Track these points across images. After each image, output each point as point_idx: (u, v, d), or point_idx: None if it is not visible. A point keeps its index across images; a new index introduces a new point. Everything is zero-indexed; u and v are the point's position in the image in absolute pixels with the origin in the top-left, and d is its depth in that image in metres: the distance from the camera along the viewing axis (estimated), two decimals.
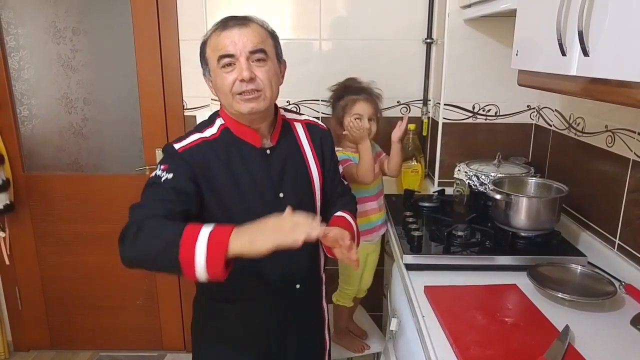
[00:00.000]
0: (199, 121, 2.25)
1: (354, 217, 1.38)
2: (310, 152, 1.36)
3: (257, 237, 0.96)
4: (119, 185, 2.44)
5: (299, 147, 1.35)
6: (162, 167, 1.18)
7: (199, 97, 2.30)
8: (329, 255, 1.29)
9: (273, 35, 1.26)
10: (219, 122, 1.28)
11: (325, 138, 1.41)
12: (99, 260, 2.53)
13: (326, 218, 1.38)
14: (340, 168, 1.51)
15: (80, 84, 2.34)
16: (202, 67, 1.26)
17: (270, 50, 1.22)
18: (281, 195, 1.28)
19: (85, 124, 2.39)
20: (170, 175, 1.16)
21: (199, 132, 1.26)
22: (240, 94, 1.18)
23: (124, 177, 2.43)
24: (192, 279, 1.00)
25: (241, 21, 1.19)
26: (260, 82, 1.19)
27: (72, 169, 2.45)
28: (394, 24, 2.18)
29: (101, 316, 2.63)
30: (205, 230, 0.99)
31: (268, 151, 1.28)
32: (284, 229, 0.97)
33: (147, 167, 2.39)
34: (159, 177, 1.16)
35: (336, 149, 1.55)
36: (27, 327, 2.67)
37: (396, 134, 1.82)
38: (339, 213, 1.36)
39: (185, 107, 2.33)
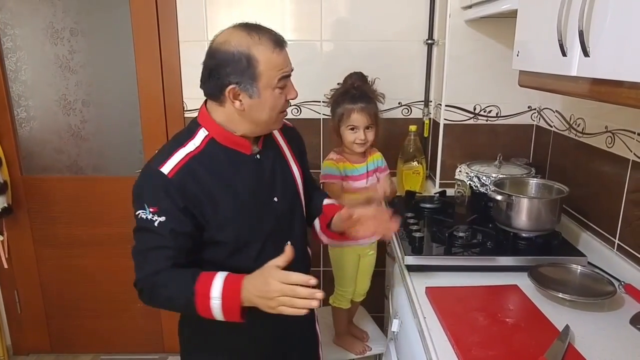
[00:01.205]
0: None
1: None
2: (290, 154, 1.37)
3: (269, 303, 1.04)
4: (118, 188, 2.43)
5: (281, 150, 1.36)
6: (150, 209, 1.11)
7: (199, 99, 2.27)
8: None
9: None
10: (202, 133, 1.21)
11: (295, 136, 1.45)
12: (99, 263, 2.53)
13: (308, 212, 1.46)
14: (321, 179, 1.56)
15: (78, 85, 2.33)
16: (233, 78, 1.13)
17: None
18: (275, 199, 1.28)
19: (84, 125, 2.39)
20: (162, 219, 1.11)
21: (181, 146, 1.17)
22: (282, 112, 1.22)
23: (124, 179, 2.42)
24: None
25: (282, 39, 1.18)
26: None
27: (71, 171, 2.45)
28: (395, 25, 2.19)
29: (101, 319, 2.63)
30: (216, 293, 1.06)
31: (258, 156, 1.26)
32: (289, 302, 1.03)
33: None
34: (151, 222, 1.11)
35: (324, 161, 1.69)
36: (27, 331, 2.66)
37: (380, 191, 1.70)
38: (327, 201, 1.47)
39: (185, 109, 2.32)
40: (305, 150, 1.48)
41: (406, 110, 2.28)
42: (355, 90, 1.78)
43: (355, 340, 2.00)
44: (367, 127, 1.75)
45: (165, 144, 1.23)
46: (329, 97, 1.89)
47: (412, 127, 2.12)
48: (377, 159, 1.89)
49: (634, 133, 1.37)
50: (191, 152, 1.17)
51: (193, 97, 2.30)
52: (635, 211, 1.37)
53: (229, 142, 1.21)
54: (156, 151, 1.21)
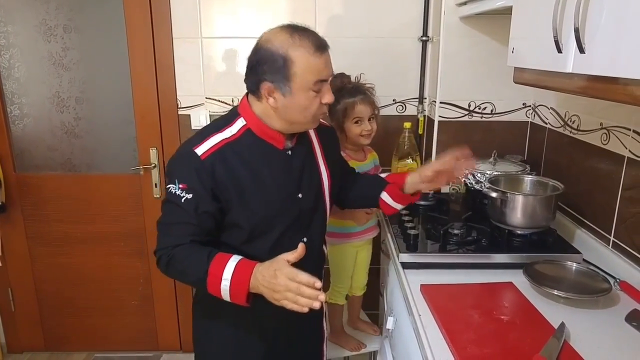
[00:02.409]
0: (193, 120, 2.29)
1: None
2: (320, 155, 1.40)
3: (274, 295, 1.09)
4: (112, 185, 2.42)
5: (312, 149, 1.38)
6: (180, 185, 1.17)
7: (193, 96, 2.29)
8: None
9: None
10: (240, 122, 1.26)
11: (330, 135, 1.47)
12: (93, 261, 2.52)
13: (345, 199, 1.55)
14: None
15: (72, 82, 2.32)
16: (268, 76, 1.18)
17: None
18: (300, 195, 1.31)
19: (77, 123, 2.37)
20: (190, 196, 1.17)
21: (219, 131, 1.23)
22: (320, 114, 1.26)
23: (118, 176, 2.42)
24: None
25: (326, 43, 1.23)
26: None
27: (65, 168, 2.43)
28: (389, 22, 2.18)
29: (96, 317, 2.62)
30: (227, 275, 1.11)
31: (289, 152, 1.30)
32: (292, 298, 1.07)
33: (141, 167, 2.38)
34: (179, 197, 1.17)
35: None
36: (21, 329, 2.64)
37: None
38: (385, 175, 1.54)
39: (179, 106, 2.31)
40: (338, 150, 1.52)
41: (401, 107, 2.28)
42: (350, 85, 1.81)
43: (349, 337, 2.00)
44: (370, 118, 1.78)
45: (205, 127, 1.29)
46: None
47: (407, 124, 2.11)
48: (374, 157, 1.92)
49: (629, 130, 1.37)
50: (227, 138, 1.22)
51: (187, 94, 2.29)
52: (630, 208, 1.38)
53: (264, 134, 1.26)
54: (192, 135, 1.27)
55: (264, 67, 1.18)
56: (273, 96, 1.20)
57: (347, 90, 1.78)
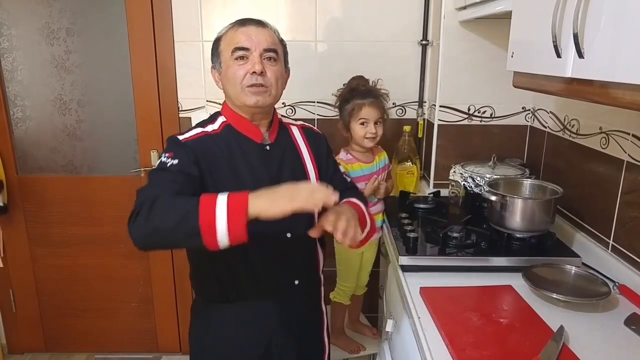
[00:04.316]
0: (194, 122, 2.26)
1: (364, 204, 1.38)
2: (307, 151, 1.40)
3: (277, 199, 0.99)
4: (113, 187, 2.43)
5: (296, 146, 1.40)
6: (167, 154, 1.21)
7: (194, 99, 2.30)
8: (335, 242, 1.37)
9: (283, 44, 1.36)
10: (220, 119, 1.33)
11: (319, 141, 1.47)
12: (94, 263, 2.52)
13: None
14: (341, 168, 1.54)
15: (74, 85, 2.33)
16: (212, 60, 1.34)
17: (280, 54, 1.32)
18: None
19: (79, 125, 2.38)
20: (175, 161, 1.19)
21: (201, 127, 1.31)
22: (249, 86, 1.25)
23: (119, 179, 2.42)
24: (213, 247, 0.99)
25: (258, 22, 1.30)
26: (268, 78, 1.27)
27: (67, 170, 2.44)
28: (389, 26, 2.19)
29: (96, 318, 2.62)
30: (223, 195, 1.00)
31: (267, 147, 1.33)
32: (303, 194, 1.00)
33: (142, 169, 2.38)
34: (165, 163, 1.19)
35: (337, 157, 1.64)
36: (22, 330, 2.65)
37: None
38: (348, 199, 1.36)
39: (180, 109, 2.32)
40: (329, 153, 1.49)
41: (400, 111, 2.29)
42: (364, 87, 1.86)
43: (349, 339, 2.01)
44: (377, 122, 1.81)
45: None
46: (336, 101, 1.92)
47: (407, 128, 2.12)
48: (383, 157, 1.95)
49: (628, 134, 1.37)
50: (207, 132, 1.30)
51: (188, 97, 2.30)
52: (629, 212, 1.38)
53: (242, 127, 1.31)
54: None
55: (211, 55, 1.35)
56: (217, 78, 1.33)
57: (360, 91, 1.83)
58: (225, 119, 1.33)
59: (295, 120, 1.52)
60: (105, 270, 2.53)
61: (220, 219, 0.97)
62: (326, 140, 1.50)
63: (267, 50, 1.26)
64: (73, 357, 2.67)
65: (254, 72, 1.24)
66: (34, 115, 2.37)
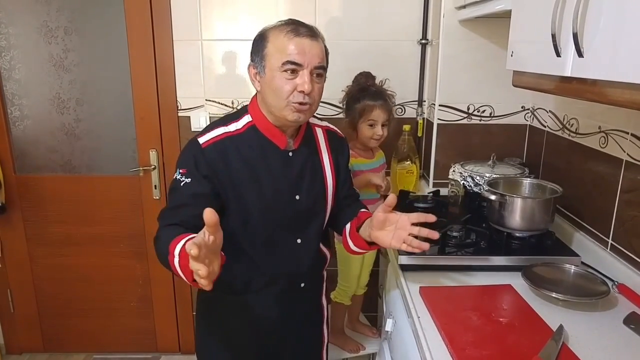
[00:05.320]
0: (193, 122, 2.30)
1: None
2: (328, 160, 1.39)
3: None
4: (112, 187, 2.42)
5: (318, 153, 1.38)
6: (181, 170, 1.22)
7: (193, 98, 2.29)
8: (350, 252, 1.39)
9: (327, 53, 1.30)
10: (246, 118, 1.29)
11: (342, 146, 1.46)
12: (93, 262, 2.52)
13: (336, 223, 1.46)
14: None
15: (72, 84, 2.32)
16: (252, 57, 1.26)
17: (326, 68, 1.27)
18: (297, 197, 1.31)
19: (78, 124, 2.37)
20: (188, 180, 1.21)
21: (224, 125, 1.27)
22: (295, 103, 1.20)
23: (118, 178, 2.42)
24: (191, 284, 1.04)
25: (312, 32, 1.23)
26: (313, 96, 1.23)
27: (65, 170, 2.43)
28: (388, 25, 2.19)
29: (95, 318, 2.62)
30: (179, 246, 1.04)
31: (290, 153, 1.31)
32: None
33: (141, 168, 2.38)
34: (179, 182, 1.21)
35: None
36: (20, 330, 2.64)
37: None
38: (365, 210, 1.43)
39: (179, 108, 2.31)
40: (346, 162, 1.48)
41: (400, 110, 2.29)
42: (374, 88, 1.85)
43: (349, 339, 2.01)
44: (384, 124, 1.82)
45: (215, 120, 1.33)
46: (343, 97, 1.91)
47: (406, 127, 2.12)
48: (381, 156, 1.96)
49: (627, 133, 1.37)
50: (229, 132, 1.26)
51: (187, 96, 2.29)
52: (628, 211, 1.38)
53: (267, 131, 1.28)
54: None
55: (251, 51, 1.26)
56: (256, 79, 1.25)
57: (371, 92, 1.82)
58: (251, 119, 1.29)
59: (321, 119, 1.47)
60: (104, 270, 2.53)
61: (178, 269, 1.04)
62: (348, 146, 1.50)
63: (317, 67, 1.22)
64: (71, 357, 2.66)
65: (301, 92, 1.19)
66: (31, 114, 2.36)
